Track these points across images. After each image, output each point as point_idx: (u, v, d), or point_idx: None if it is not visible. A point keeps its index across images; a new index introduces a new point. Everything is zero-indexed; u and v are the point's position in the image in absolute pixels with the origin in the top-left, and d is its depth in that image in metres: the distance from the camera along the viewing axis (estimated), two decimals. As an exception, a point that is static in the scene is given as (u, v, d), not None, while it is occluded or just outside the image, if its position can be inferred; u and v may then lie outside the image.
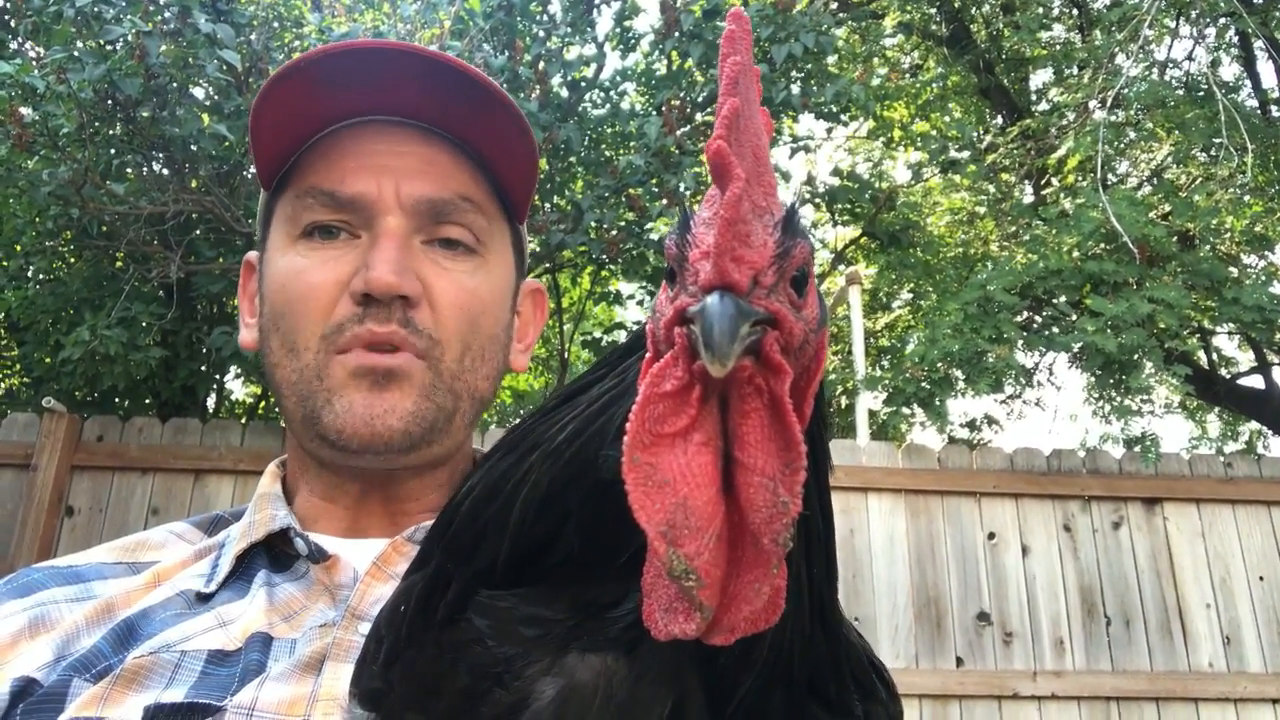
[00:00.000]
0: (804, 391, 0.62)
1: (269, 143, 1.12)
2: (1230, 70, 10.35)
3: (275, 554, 1.08)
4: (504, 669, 0.61)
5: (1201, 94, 8.48)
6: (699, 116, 6.47)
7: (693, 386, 0.57)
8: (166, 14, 5.13)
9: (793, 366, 0.58)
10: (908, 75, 11.30)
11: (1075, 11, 10.74)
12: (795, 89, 6.44)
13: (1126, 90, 7.93)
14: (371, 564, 1.03)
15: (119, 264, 6.45)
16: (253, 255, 1.23)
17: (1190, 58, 9.75)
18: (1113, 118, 8.27)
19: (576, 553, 0.63)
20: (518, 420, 0.77)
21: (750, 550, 0.57)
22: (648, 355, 0.61)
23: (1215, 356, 10.47)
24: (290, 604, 1.02)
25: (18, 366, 8.03)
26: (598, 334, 9.63)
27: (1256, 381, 10.39)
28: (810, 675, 0.64)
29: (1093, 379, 6.79)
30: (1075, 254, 6.84)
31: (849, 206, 9.65)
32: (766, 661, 0.61)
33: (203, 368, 6.87)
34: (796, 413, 0.58)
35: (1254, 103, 9.66)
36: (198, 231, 6.14)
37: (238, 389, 9.17)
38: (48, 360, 6.54)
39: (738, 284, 0.55)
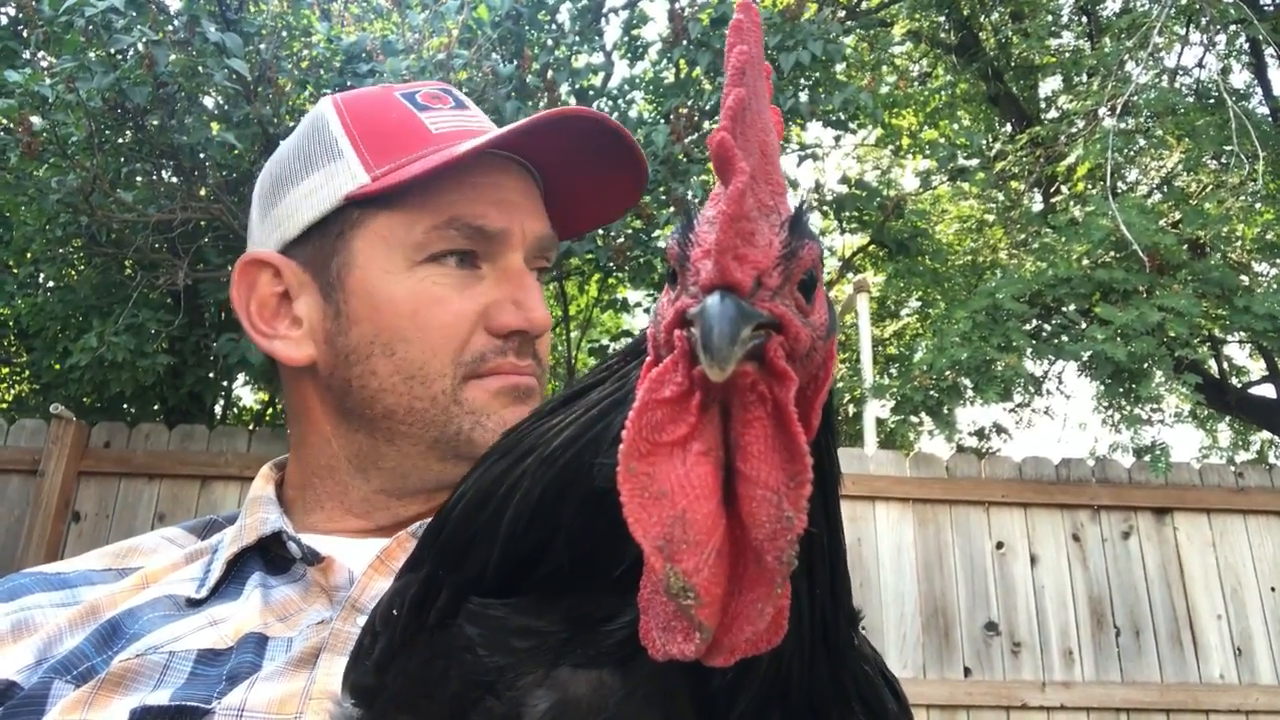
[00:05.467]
0: (811, 401, 0.59)
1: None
2: (1241, 77, 10.33)
3: (271, 558, 1.06)
4: (495, 679, 0.59)
5: (1212, 101, 8.45)
6: (706, 124, 6.46)
7: (693, 393, 0.54)
8: (175, 23, 5.14)
9: (799, 374, 0.56)
10: (916, 83, 11.28)
11: (1084, 19, 10.72)
12: (803, 97, 6.43)
13: (1136, 97, 7.90)
14: (375, 558, 1.01)
15: (127, 271, 6.47)
16: (269, 255, 1.13)
17: (1200, 65, 9.74)
18: (1122, 125, 8.24)
19: (567, 565, 0.60)
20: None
21: (752, 568, 0.54)
22: (648, 360, 0.58)
23: (1226, 365, 10.42)
24: (286, 605, 1.00)
25: (26, 373, 8.06)
26: (605, 341, 9.62)
27: (1268, 391, 10.34)
28: (811, 698, 0.62)
29: (1102, 388, 6.75)
30: (1085, 262, 6.81)
31: (857, 214, 9.64)
32: (763, 683, 0.58)
33: (210, 374, 6.88)
34: (803, 423, 0.55)
35: (1265, 110, 9.62)
36: (206, 239, 6.15)
37: (246, 395, 9.19)
38: (56, 366, 6.56)
39: (740, 284, 0.52)
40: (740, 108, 0.54)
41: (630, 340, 0.70)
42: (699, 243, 0.55)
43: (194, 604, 1.01)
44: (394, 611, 0.67)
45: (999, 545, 5.76)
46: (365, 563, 1.01)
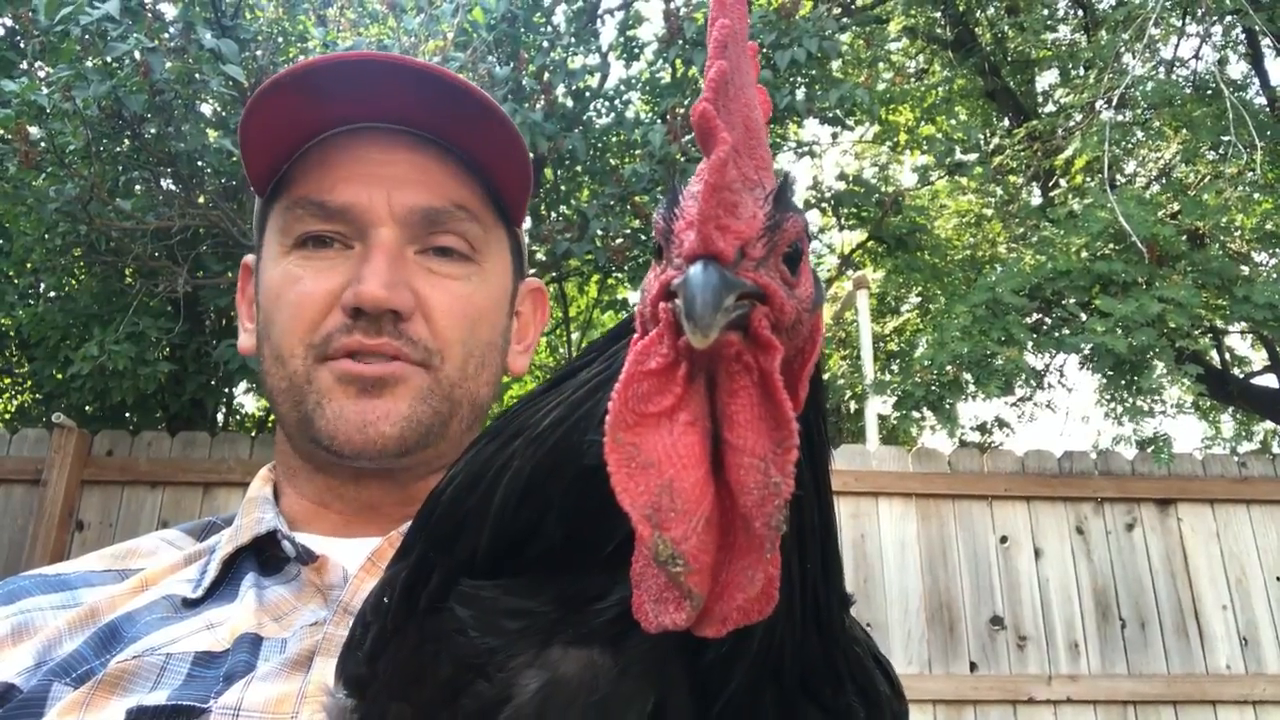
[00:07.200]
0: (798, 374, 0.59)
1: (260, 151, 1.12)
2: (1238, 68, 10.32)
3: (265, 557, 1.07)
4: (486, 660, 0.58)
5: (1209, 92, 8.44)
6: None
7: (679, 364, 0.54)
8: (171, 30, 5.15)
9: (784, 346, 0.56)
10: (913, 79, 11.28)
11: (1080, 12, 10.71)
12: (799, 94, 6.42)
13: (1133, 90, 7.89)
14: (366, 559, 1.02)
15: (127, 279, 6.47)
16: (250, 259, 1.22)
17: (1197, 56, 9.72)
18: (1120, 117, 8.24)
19: (559, 543, 0.60)
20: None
21: (742, 535, 0.54)
22: (636, 336, 0.58)
23: (1228, 356, 10.40)
24: (280, 605, 1.00)
25: (28, 382, 8.06)
26: (605, 342, 9.62)
27: (1270, 381, 10.33)
28: (804, 676, 0.62)
29: (1104, 380, 6.74)
30: (1084, 254, 6.80)
31: (855, 211, 9.64)
32: (755, 659, 0.58)
33: (211, 381, 6.87)
34: (790, 396, 0.55)
35: (1262, 100, 9.61)
36: (205, 246, 6.15)
37: (248, 402, 9.19)
38: (58, 376, 6.56)
39: (723, 253, 0.52)
40: (722, 80, 0.54)
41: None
42: (683, 215, 0.54)
43: (190, 604, 1.01)
44: (385, 599, 0.67)
45: (1003, 539, 5.75)
46: (358, 563, 1.02)
